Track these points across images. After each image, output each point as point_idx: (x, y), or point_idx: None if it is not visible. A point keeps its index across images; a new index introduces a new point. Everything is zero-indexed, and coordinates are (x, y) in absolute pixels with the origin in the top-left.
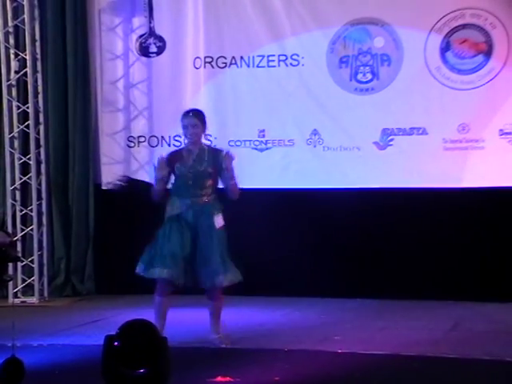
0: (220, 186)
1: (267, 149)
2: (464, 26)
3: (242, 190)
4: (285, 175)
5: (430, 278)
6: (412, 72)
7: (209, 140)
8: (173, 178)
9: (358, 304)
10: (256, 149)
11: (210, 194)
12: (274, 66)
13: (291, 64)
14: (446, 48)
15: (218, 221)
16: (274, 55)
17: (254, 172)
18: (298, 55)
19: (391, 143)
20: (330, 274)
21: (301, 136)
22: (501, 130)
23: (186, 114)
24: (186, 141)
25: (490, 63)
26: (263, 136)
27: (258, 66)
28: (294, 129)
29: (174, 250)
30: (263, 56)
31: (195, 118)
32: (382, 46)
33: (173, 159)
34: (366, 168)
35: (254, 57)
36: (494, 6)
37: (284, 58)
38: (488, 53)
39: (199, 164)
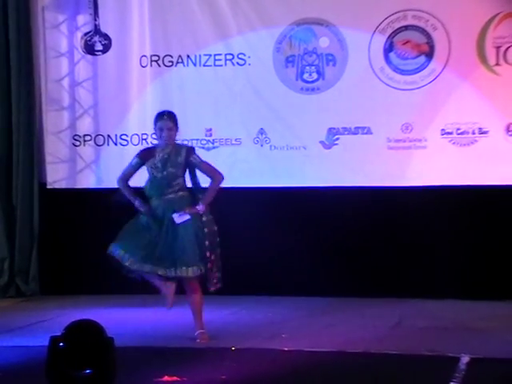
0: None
1: (214, 148)
2: (406, 28)
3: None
4: (232, 174)
5: (374, 276)
6: (357, 72)
7: (156, 139)
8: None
9: (305, 302)
10: (203, 148)
11: (177, 191)
12: (221, 65)
13: (238, 63)
14: (389, 49)
15: (179, 217)
16: (220, 54)
17: None
18: (244, 54)
19: (337, 142)
20: (276, 273)
21: (248, 135)
22: (442, 130)
23: (161, 116)
24: (158, 142)
25: (431, 64)
26: (210, 135)
27: (204, 65)
28: (240, 128)
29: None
30: (210, 55)
31: (170, 121)
32: (327, 46)
33: (146, 156)
34: (312, 167)
35: (200, 56)
36: (435, 8)
37: (231, 57)
38: (430, 54)
39: (172, 165)
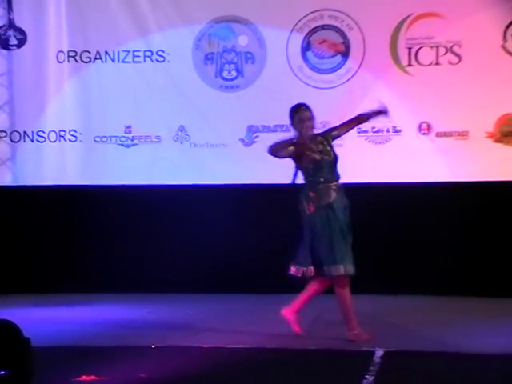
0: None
1: (134, 145)
2: (323, 27)
3: (109, 187)
4: (152, 172)
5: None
6: (275, 70)
7: (74, 136)
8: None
9: (224, 299)
10: (122, 145)
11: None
12: (140, 62)
13: (157, 60)
14: (306, 48)
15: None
16: (139, 51)
17: (121, 168)
18: (163, 51)
19: (256, 140)
20: (196, 270)
21: (168, 132)
22: (358, 128)
23: (299, 107)
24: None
25: (347, 63)
26: (129, 132)
27: (123, 62)
28: (160, 125)
29: None
30: (129, 51)
31: (309, 111)
32: (246, 44)
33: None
34: (233, 164)
35: (119, 52)
36: (350, 8)
37: (150, 53)
38: (345, 53)
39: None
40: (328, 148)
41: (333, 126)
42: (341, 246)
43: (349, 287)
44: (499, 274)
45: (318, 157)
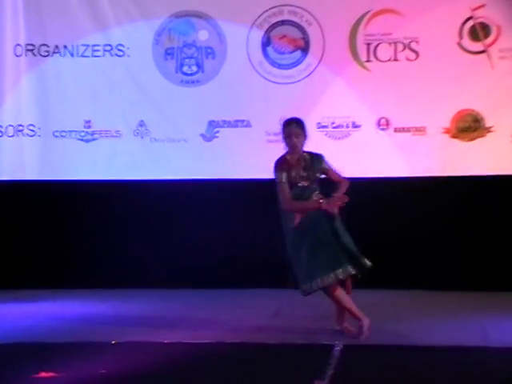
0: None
1: (93, 140)
2: (283, 22)
3: (68, 182)
4: (112, 167)
5: (252, 268)
6: (236, 66)
7: (32, 131)
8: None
9: (185, 294)
10: (82, 140)
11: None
12: (99, 56)
13: (116, 54)
14: (266, 43)
15: None
16: (98, 45)
17: (80, 163)
18: (123, 46)
19: (217, 135)
20: (155, 266)
21: (128, 127)
22: (318, 124)
23: (288, 123)
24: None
25: (307, 59)
26: (89, 127)
27: (82, 56)
28: (120, 120)
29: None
30: (88, 45)
31: (298, 128)
32: (207, 39)
33: (285, 166)
34: (193, 159)
35: (78, 46)
36: (309, 3)
37: (109, 48)
38: (305, 49)
39: (314, 172)
40: (311, 173)
41: (330, 165)
42: (316, 258)
43: (337, 289)
44: (454, 267)
45: (305, 184)
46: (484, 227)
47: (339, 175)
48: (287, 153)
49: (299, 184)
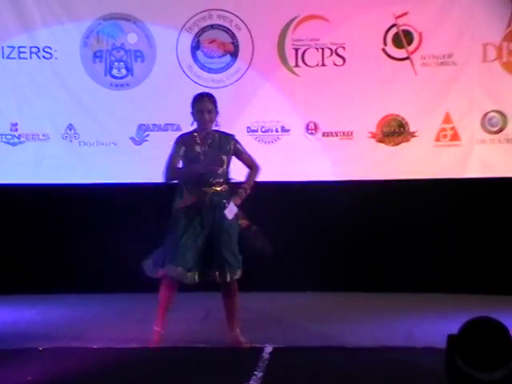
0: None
1: (20, 143)
2: (212, 26)
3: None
4: (39, 170)
5: None
6: (165, 69)
7: None
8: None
9: (114, 299)
10: (8, 143)
11: (222, 183)
12: (26, 58)
13: (44, 57)
14: (196, 47)
15: (229, 213)
16: (25, 47)
17: (7, 167)
18: (50, 48)
19: (147, 139)
20: (84, 270)
21: (56, 130)
22: (248, 128)
23: (200, 97)
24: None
25: (236, 63)
26: (16, 130)
27: (8, 58)
28: (48, 123)
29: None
30: (13, 47)
31: (210, 103)
32: (136, 42)
33: (185, 142)
34: (123, 163)
35: (3, 48)
36: (238, 8)
37: (36, 50)
38: (235, 53)
39: (219, 153)
40: (217, 153)
41: (243, 148)
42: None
43: (167, 287)
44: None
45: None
46: (409, 231)
47: (251, 159)
48: (195, 130)
49: (202, 161)
